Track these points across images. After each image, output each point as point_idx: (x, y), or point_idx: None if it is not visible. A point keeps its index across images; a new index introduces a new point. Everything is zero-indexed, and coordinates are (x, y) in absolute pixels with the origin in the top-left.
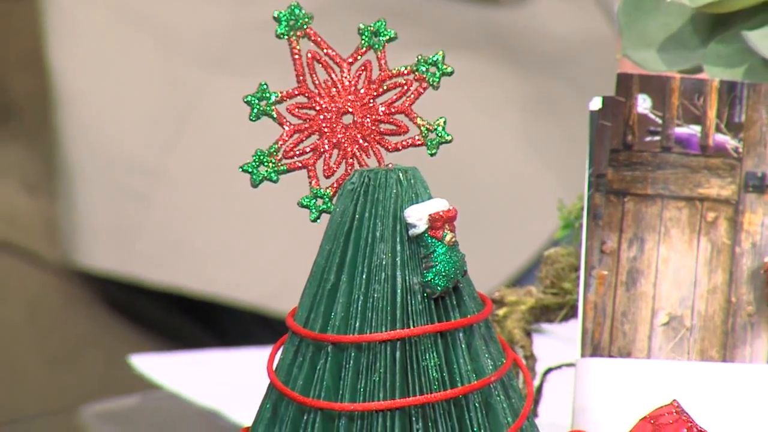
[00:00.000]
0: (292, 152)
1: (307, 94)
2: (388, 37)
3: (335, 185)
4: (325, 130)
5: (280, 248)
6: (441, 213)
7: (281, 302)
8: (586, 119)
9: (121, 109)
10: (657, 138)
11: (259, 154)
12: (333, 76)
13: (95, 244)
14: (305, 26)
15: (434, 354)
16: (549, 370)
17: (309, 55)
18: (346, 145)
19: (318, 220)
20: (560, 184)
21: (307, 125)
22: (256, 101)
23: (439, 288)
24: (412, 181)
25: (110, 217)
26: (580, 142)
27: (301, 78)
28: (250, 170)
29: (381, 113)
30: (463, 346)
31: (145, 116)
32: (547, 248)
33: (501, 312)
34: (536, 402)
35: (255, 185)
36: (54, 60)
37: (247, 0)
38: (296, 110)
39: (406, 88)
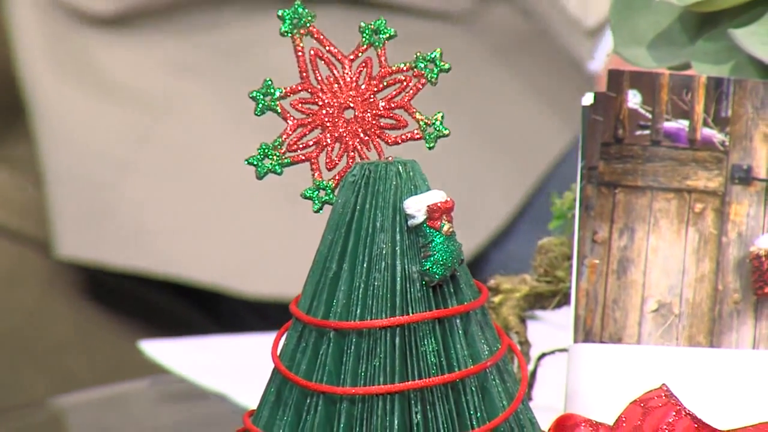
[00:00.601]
0: (295, 146)
1: (310, 90)
2: (388, 35)
3: (337, 177)
4: (328, 124)
5: (238, 231)
6: (439, 204)
7: (238, 281)
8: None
9: (92, 110)
10: (647, 132)
11: (263, 147)
12: (335, 72)
13: (67, 232)
14: (308, 24)
15: (432, 340)
16: (543, 356)
17: (312, 52)
18: (347, 138)
19: (321, 211)
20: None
21: (310, 120)
22: (261, 96)
23: (437, 276)
24: (411, 173)
25: (81, 207)
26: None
27: (305, 74)
28: (255, 163)
29: (381, 108)
30: (460, 332)
31: (114, 117)
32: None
33: (496, 299)
34: (530, 386)
35: (260, 177)
36: (22, 64)
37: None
38: (300, 105)
39: (405, 84)
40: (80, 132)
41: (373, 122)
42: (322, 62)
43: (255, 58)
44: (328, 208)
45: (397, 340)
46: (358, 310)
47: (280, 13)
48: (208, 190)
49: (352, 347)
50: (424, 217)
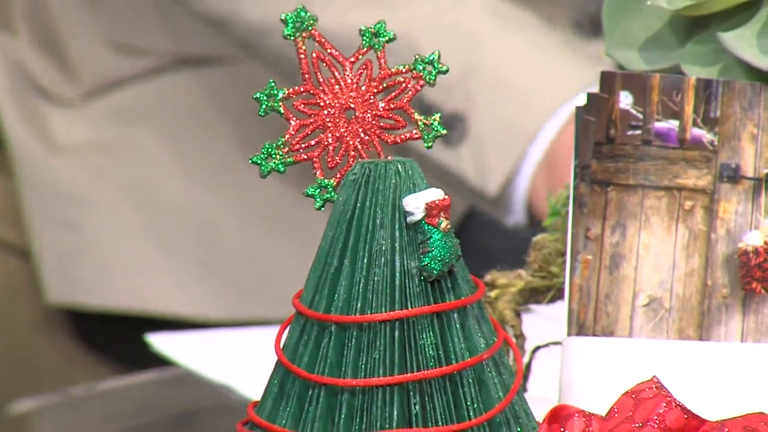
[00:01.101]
0: (298, 145)
1: (312, 91)
2: (387, 38)
3: (338, 176)
4: (329, 124)
5: (197, 261)
6: (437, 202)
7: (201, 309)
8: None
9: (50, 159)
10: (638, 132)
11: (267, 147)
12: (336, 74)
13: (51, 278)
14: (310, 28)
15: (430, 333)
16: (537, 348)
17: (314, 54)
18: (348, 138)
19: (323, 208)
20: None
21: (312, 120)
22: (265, 98)
23: (435, 272)
24: (410, 172)
25: (54, 250)
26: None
27: (307, 76)
28: (259, 162)
29: (381, 109)
30: (458, 325)
31: (69, 160)
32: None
33: (493, 294)
34: (525, 378)
35: (264, 176)
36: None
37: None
38: (302, 106)
39: (404, 85)
40: (42, 175)
41: (373, 122)
42: (324, 64)
43: (196, 102)
44: (329, 206)
45: (397, 333)
46: (359, 305)
47: (283, 16)
48: (159, 224)
49: (353, 340)
50: (423, 214)
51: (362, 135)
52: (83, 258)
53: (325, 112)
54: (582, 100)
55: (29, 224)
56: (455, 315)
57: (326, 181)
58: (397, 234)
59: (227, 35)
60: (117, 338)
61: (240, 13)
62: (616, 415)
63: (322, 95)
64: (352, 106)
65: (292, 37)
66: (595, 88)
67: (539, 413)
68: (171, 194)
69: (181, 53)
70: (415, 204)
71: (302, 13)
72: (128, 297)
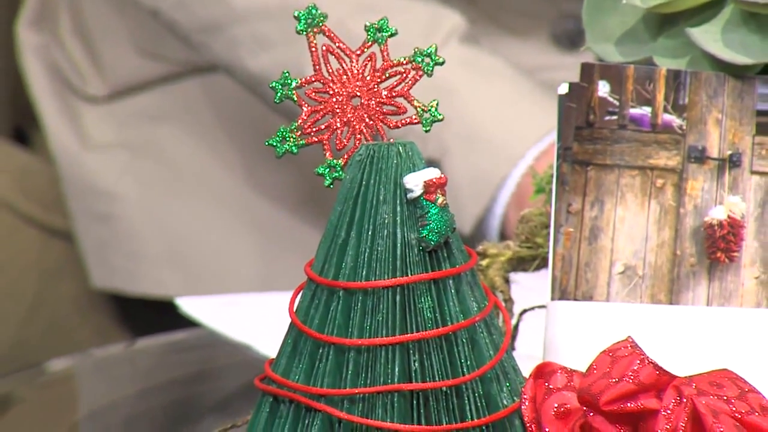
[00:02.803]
0: (309, 129)
1: (322, 81)
2: (389, 33)
3: (346, 157)
4: (337, 110)
5: (217, 250)
6: (434, 180)
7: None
8: None
9: (82, 154)
10: (614, 117)
11: (282, 130)
12: (344, 65)
13: (94, 266)
14: (320, 24)
15: (428, 298)
16: (524, 311)
17: (324, 48)
18: (354, 123)
19: (332, 186)
20: None
21: (322, 107)
22: (280, 87)
23: (432, 242)
24: (410, 153)
25: (92, 239)
26: None
27: (317, 67)
28: (274, 144)
29: (384, 96)
30: (453, 291)
31: (98, 156)
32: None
33: (484, 262)
34: (513, 338)
35: (279, 157)
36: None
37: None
38: (313, 94)
39: (405, 75)
40: (77, 169)
41: (377, 109)
42: (333, 57)
43: (221, 106)
44: (337, 184)
45: (398, 298)
46: (364, 272)
47: (296, 14)
48: (187, 218)
49: (359, 304)
50: (422, 191)
51: (367, 120)
52: (116, 248)
53: (334, 99)
54: (564, 89)
55: (71, 214)
56: (450, 281)
57: (335, 161)
58: (398, 209)
59: (232, 77)
60: (151, 318)
61: (243, 62)
62: (595, 372)
63: (331, 84)
64: (358, 94)
65: (304, 33)
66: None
67: (526, 369)
68: (194, 187)
69: (198, 62)
70: (415, 182)
71: (313, 11)
72: (157, 285)
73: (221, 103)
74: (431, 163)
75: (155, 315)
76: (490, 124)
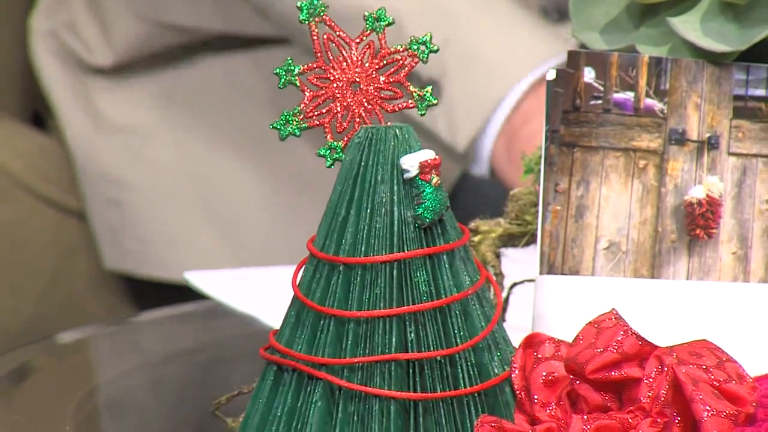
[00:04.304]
0: (311, 113)
1: (323, 67)
2: (387, 22)
3: (346, 139)
4: (338, 95)
5: (224, 235)
6: (429, 161)
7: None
8: None
9: (94, 139)
10: (599, 102)
11: (285, 114)
12: (344, 53)
13: (106, 248)
14: (322, 14)
15: (424, 272)
16: (514, 285)
17: (325, 36)
18: (354, 107)
19: (332, 166)
20: None
21: (323, 92)
22: (284, 72)
23: (427, 220)
24: (407, 136)
25: (104, 223)
26: None
27: (319, 55)
28: (278, 127)
29: (382, 82)
30: (447, 265)
31: (110, 141)
32: None
33: (476, 239)
34: (504, 310)
35: (282, 139)
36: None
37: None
38: (315, 80)
39: (401, 62)
40: (88, 156)
41: (375, 94)
42: (333, 44)
43: (229, 88)
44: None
45: (395, 272)
46: (363, 248)
47: (299, 4)
48: (196, 200)
49: (358, 278)
50: (417, 171)
51: (366, 104)
52: (127, 231)
53: (335, 85)
54: (552, 75)
55: (84, 197)
56: (444, 256)
57: (335, 143)
58: (395, 188)
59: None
60: (162, 294)
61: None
62: (581, 342)
63: (332, 71)
64: (358, 79)
65: (306, 22)
66: (554, 62)
67: (516, 340)
68: (207, 172)
69: (208, 29)
70: (411, 163)
71: (315, 2)
72: (167, 268)
73: (231, 86)
74: (431, 82)
75: (166, 292)
76: (488, 48)
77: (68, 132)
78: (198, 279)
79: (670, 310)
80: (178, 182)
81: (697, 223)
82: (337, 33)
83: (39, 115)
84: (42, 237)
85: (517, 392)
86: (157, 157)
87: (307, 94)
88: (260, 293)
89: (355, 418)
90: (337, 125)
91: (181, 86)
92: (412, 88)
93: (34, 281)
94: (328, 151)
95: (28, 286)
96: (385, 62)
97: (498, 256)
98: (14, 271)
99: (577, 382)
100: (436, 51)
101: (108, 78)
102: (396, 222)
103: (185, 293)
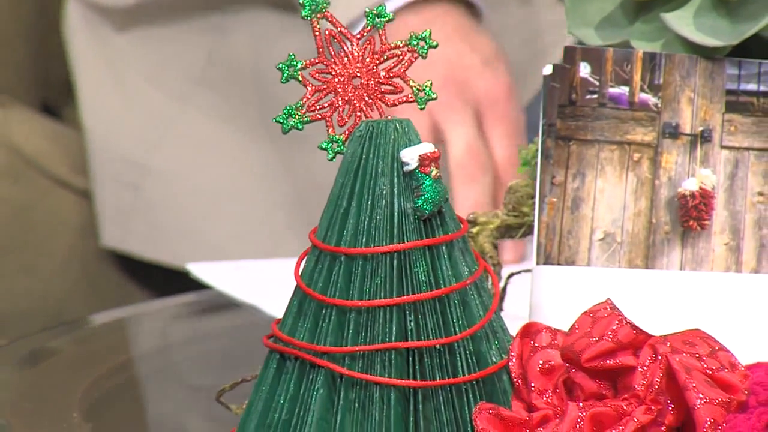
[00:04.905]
0: (313, 107)
1: (325, 63)
2: (387, 18)
3: (347, 132)
4: (339, 90)
5: (234, 228)
6: (428, 154)
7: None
8: None
9: (116, 116)
10: (595, 96)
11: (288, 108)
12: (345, 48)
13: (107, 226)
14: (323, 10)
15: (423, 263)
16: (511, 275)
17: (327, 32)
18: (355, 101)
19: (333, 159)
20: None
21: (325, 86)
22: (286, 68)
23: (426, 212)
24: (406, 129)
25: (113, 204)
26: None
27: (321, 50)
28: (281, 121)
29: (382, 77)
30: (446, 256)
31: (133, 123)
32: None
33: (474, 230)
34: (502, 299)
35: (285, 132)
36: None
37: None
38: (317, 75)
39: (401, 57)
40: (107, 137)
41: (376, 88)
42: (335, 40)
43: (259, 56)
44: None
45: (395, 262)
46: (364, 239)
47: (300, 1)
48: (215, 190)
49: (359, 268)
50: (417, 164)
51: (367, 98)
52: (138, 214)
53: (336, 79)
54: (549, 70)
55: (92, 175)
56: (443, 247)
57: (337, 136)
58: (395, 180)
59: None
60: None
61: None
62: (577, 331)
63: (333, 66)
64: (358, 74)
65: (309, 18)
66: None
67: (513, 329)
68: (225, 160)
69: None
70: (411, 156)
71: None
72: (173, 256)
73: (245, 78)
74: None
75: (172, 275)
76: None
77: (87, 112)
78: (200, 270)
79: (664, 300)
80: (199, 171)
81: (691, 215)
82: (339, 29)
83: (49, 108)
84: (54, 218)
85: (515, 380)
86: (179, 144)
87: (309, 88)
88: (263, 283)
89: (356, 405)
90: (339, 119)
91: (213, 61)
92: (411, 83)
93: (47, 262)
94: (330, 144)
95: (41, 267)
96: (385, 57)
97: (495, 246)
98: (27, 252)
99: (573, 370)
100: (436, 46)
101: (129, 32)
102: (396, 213)
103: (190, 281)
